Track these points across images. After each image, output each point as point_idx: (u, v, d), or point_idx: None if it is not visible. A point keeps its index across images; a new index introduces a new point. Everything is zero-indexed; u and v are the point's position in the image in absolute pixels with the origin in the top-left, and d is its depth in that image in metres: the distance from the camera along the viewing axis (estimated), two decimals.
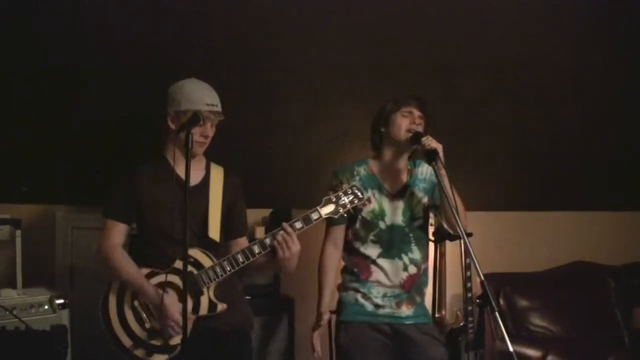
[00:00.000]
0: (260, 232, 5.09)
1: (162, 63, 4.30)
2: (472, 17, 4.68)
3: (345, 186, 3.62)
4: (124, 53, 4.36)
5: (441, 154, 3.63)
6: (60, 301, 4.26)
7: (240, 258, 3.46)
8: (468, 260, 5.09)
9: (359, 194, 3.57)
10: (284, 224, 3.46)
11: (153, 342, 3.44)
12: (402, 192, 3.99)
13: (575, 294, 6.16)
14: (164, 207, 3.54)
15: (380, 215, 3.95)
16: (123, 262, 3.53)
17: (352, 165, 4.05)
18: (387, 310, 3.92)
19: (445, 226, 4.01)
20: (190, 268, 3.37)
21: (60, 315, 4.24)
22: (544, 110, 5.55)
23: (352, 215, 3.94)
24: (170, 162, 3.61)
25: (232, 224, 3.77)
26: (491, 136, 5.59)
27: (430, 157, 3.62)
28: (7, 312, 3.88)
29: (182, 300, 3.17)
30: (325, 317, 4.00)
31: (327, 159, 5.25)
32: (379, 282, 3.94)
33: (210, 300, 3.49)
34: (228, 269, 3.46)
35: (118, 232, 3.59)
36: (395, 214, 3.96)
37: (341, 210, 3.54)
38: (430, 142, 3.66)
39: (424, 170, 4.03)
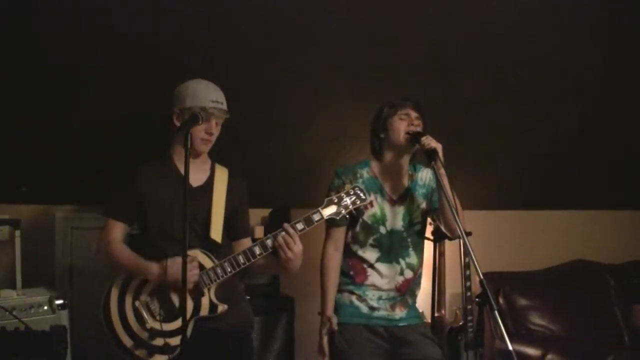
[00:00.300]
0: (259, 232, 5.09)
1: (162, 63, 4.31)
2: (472, 17, 4.68)
3: (347, 187, 3.59)
4: (124, 53, 4.35)
5: (441, 154, 3.62)
6: (60, 301, 4.24)
7: (241, 259, 3.46)
8: (467, 259, 5.10)
9: (361, 195, 3.56)
10: (285, 225, 3.44)
11: (154, 342, 3.43)
12: (403, 197, 4.00)
13: (574, 292, 6.17)
14: (166, 207, 3.53)
15: (382, 220, 3.96)
16: (121, 251, 3.55)
17: (355, 167, 4.05)
18: (382, 313, 3.94)
19: (443, 229, 4.00)
20: None
21: (60, 315, 4.22)
22: (544, 110, 5.56)
23: (354, 218, 3.93)
24: (174, 161, 3.61)
25: (236, 226, 3.77)
26: (491, 136, 5.59)
27: (429, 156, 3.61)
28: (7, 313, 3.86)
29: (182, 301, 3.16)
30: (334, 320, 3.97)
31: (327, 159, 5.25)
32: (374, 286, 3.95)
33: (211, 301, 3.48)
34: (229, 270, 3.45)
35: (118, 230, 3.60)
36: (395, 219, 3.97)
37: (343, 212, 3.52)
38: (430, 142, 3.65)
39: (424, 175, 4.05)
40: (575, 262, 6.44)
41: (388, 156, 4.01)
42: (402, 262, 3.96)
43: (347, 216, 3.58)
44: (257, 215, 5.40)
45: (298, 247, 3.42)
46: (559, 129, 5.71)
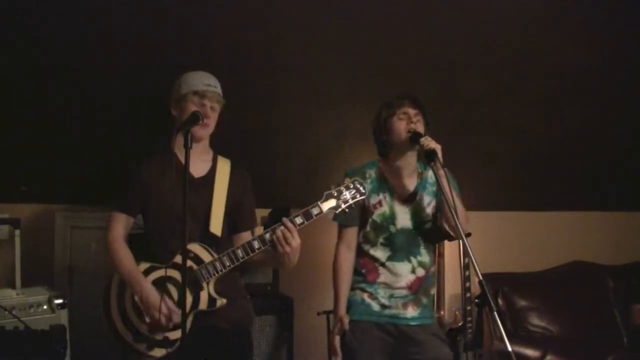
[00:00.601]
0: (259, 232, 5.07)
1: (162, 63, 4.30)
2: (472, 17, 4.68)
3: (347, 180, 3.58)
4: (124, 53, 4.35)
5: (440, 155, 3.61)
6: (59, 301, 4.25)
7: (240, 253, 3.46)
8: (467, 260, 5.10)
9: (361, 188, 3.55)
10: (284, 219, 3.44)
11: (153, 336, 3.45)
12: (413, 196, 3.99)
13: (573, 293, 6.17)
14: (167, 199, 3.52)
15: (391, 218, 3.96)
16: (121, 254, 3.54)
17: (363, 167, 4.06)
18: (393, 311, 3.94)
19: (447, 227, 3.98)
20: (189, 263, 3.38)
21: (59, 315, 4.23)
22: (544, 110, 5.56)
23: (364, 218, 3.97)
24: (175, 154, 3.59)
25: (238, 218, 3.76)
26: (491, 136, 5.58)
27: (429, 157, 3.60)
28: (6, 312, 3.88)
29: (182, 294, 3.16)
30: (346, 320, 3.98)
31: (327, 159, 5.27)
32: (385, 284, 3.95)
33: (210, 295, 3.48)
34: (228, 264, 3.45)
35: (123, 223, 3.61)
36: (405, 217, 3.96)
37: (343, 205, 3.51)
38: (429, 143, 3.64)
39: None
40: (574, 263, 6.44)
41: (394, 156, 4.00)
42: (414, 261, 3.95)
43: (347, 210, 3.57)
44: (257, 215, 5.39)
45: (296, 241, 3.42)
46: (559, 129, 5.70)
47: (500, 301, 5.92)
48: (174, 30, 4.33)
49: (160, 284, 3.45)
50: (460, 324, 5.18)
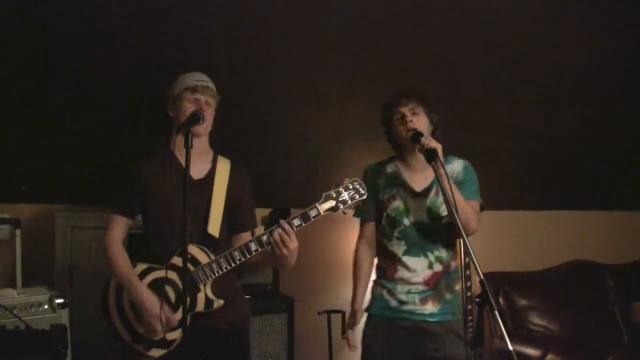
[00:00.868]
0: (260, 231, 5.08)
1: (162, 63, 4.31)
2: (473, 17, 4.68)
3: (346, 180, 3.55)
4: (124, 53, 4.35)
5: (440, 154, 3.57)
6: (60, 300, 4.26)
7: (237, 255, 3.45)
8: (467, 259, 5.10)
9: (360, 189, 3.52)
10: (282, 221, 3.42)
11: (151, 337, 3.45)
12: (427, 190, 3.96)
13: (574, 292, 6.19)
14: (167, 201, 3.52)
15: (405, 212, 3.95)
16: (118, 257, 3.54)
17: (384, 163, 4.11)
18: (410, 307, 3.92)
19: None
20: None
21: (60, 314, 4.24)
22: (544, 110, 5.56)
23: (380, 212, 4.01)
24: (175, 154, 3.60)
25: (237, 219, 3.76)
26: (491, 136, 5.59)
27: (429, 156, 3.55)
28: (7, 312, 3.88)
29: (182, 295, 3.17)
30: (359, 314, 4.08)
31: (327, 159, 5.27)
32: (403, 280, 3.94)
33: (207, 297, 3.48)
34: (224, 266, 3.45)
35: (120, 225, 3.62)
36: (419, 211, 3.94)
37: (341, 207, 3.48)
38: (430, 142, 3.60)
39: (453, 167, 3.98)
40: (575, 262, 6.47)
41: (405, 153, 4.01)
42: (431, 256, 3.92)
43: (372, 211, 3.57)
44: (257, 215, 5.39)
45: (294, 243, 3.41)
46: (559, 129, 5.71)
47: (501, 300, 5.93)
48: (174, 30, 4.33)
49: (158, 286, 3.46)
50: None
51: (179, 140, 3.37)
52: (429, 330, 3.90)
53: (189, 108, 3.52)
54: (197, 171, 3.61)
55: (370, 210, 4.07)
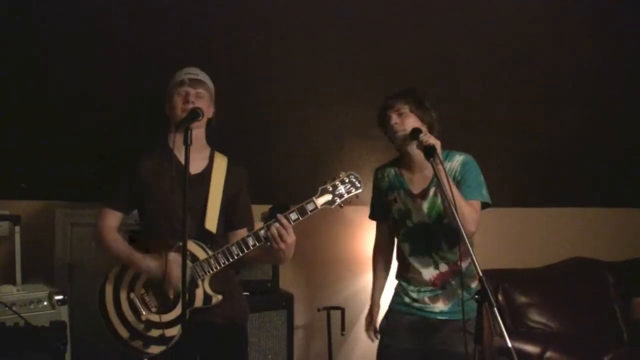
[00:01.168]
0: (258, 227, 5.11)
1: (162, 63, 4.30)
2: (473, 17, 4.66)
3: (342, 174, 3.57)
4: (124, 53, 4.36)
5: (439, 150, 3.56)
6: (60, 297, 4.28)
7: (234, 250, 3.47)
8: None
9: (356, 182, 3.54)
10: (279, 216, 3.44)
11: (150, 333, 3.48)
12: (426, 192, 3.96)
13: (574, 290, 6.20)
14: (165, 197, 3.55)
15: (407, 214, 3.99)
16: (116, 241, 3.59)
17: (390, 164, 4.16)
18: (420, 305, 3.96)
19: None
20: None
21: (60, 311, 4.25)
22: (544, 110, 5.56)
23: (387, 212, 4.09)
24: (173, 151, 3.62)
25: (234, 215, 3.77)
26: (491, 136, 5.59)
27: (427, 153, 3.54)
28: (7, 308, 3.90)
29: (182, 292, 3.18)
30: (375, 308, 4.23)
31: (327, 157, 5.27)
32: (414, 279, 4.00)
33: (205, 293, 3.50)
34: (222, 261, 3.47)
35: (113, 218, 3.64)
36: (420, 212, 3.95)
37: (338, 200, 3.51)
38: (428, 139, 3.60)
39: (452, 166, 3.94)
40: (575, 259, 6.48)
41: (402, 155, 4.05)
42: (435, 256, 3.94)
43: (342, 204, 3.57)
44: (257, 212, 5.36)
45: (291, 237, 3.43)
46: (559, 129, 5.71)
47: (500, 297, 5.94)
48: (174, 30, 4.32)
49: (157, 282, 3.49)
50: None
51: (178, 138, 3.38)
52: (439, 326, 3.92)
53: (179, 102, 3.57)
54: (195, 167, 3.64)
55: (381, 211, 4.16)
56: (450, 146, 3.84)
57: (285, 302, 5.26)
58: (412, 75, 4.83)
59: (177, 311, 3.46)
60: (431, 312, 3.94)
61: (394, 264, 4.28)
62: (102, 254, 3.73)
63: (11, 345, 3.48)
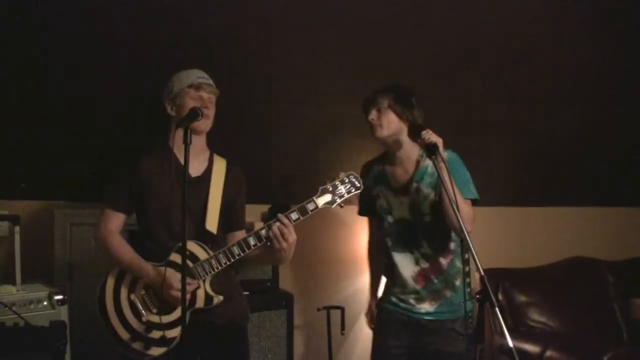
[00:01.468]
0: (258, 227, 5.11)
1: (162, 63, 4.30)
2: (472, 17, 4.67)
3: (342, 174, 3.57)
4: (124, 53, 4.35)
5: (441, 148, 3.55)
6: (60, 297, 4.26)
7: (235, 250, 3.46)
8: (467, 256, 5.10)
9: (356, 182, 3.55)
10: (280, 215, 3.44)
11: (151, 335, 3.45)
12: (406, 188, 3.96)
13: (574, 289, 6.21)
14: (164, 197, 3.53)
15: (388, 210, 4.00)
16: (120, 246, 3.57)
17: (373, 161, 4.17)
18: (406, 305, 3.98)
19: (448, 222, 3.88)
20: None
21: (60, 311, 4.24)
22: (544, 110, 5.56)
23: (374, 208, 4.09)
24: (173, 152, 3.62)
25: (232, 217, 3.77)
26: (491, 136, 5.61)
27: (430, 151, 3.53)
28: (6, 308, 3.89)
29: (181, 294, 3.17)
30: (374, 302, 4.26)
31: (326, 156, 5.27)
32: (398, 277, 4.00)
33: (206, 293, 3.49)
34: (223, 261, 3.46)
35: (116, 220, 3.62)
36: (401, 208, 3.96)
37: (338, 200, 3.51)
38: (430, 136, 3.58)
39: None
40: (575, 258, 6.48)
41: (386, 149, 4.05)
42: (416, 252, 3.95)
43: (342, 204, 3.58)
44: (256, 211, 5.42)
45: (292, 237, 3.44)
46: (559, 129, 5.71)
47: (500, 296, 5.94)
48: (174, 30, 4.32)
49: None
50: None
51: (178, 137, 3.36)
52: (427, 326, 3.93)
53: (192, 105, 3.51)
54: (195, 169, 3.63)
55: (368, 207, 4.16)
56: (451, 145, 3.81)
57: (285, 301, 5.24)
58: (412, 75, 4.82)
59: (177, 312, 3.45)
60: (418, 312, 3.96)
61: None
62: (102, 254, 3.70)
63: (11, 345, 3.46)
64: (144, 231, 3.65)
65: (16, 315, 3.78)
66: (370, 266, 4.42)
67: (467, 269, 5.06)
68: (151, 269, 3.47)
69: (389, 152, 4.04)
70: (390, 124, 3.88)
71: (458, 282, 4.02)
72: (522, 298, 6.03)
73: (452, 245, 4.02)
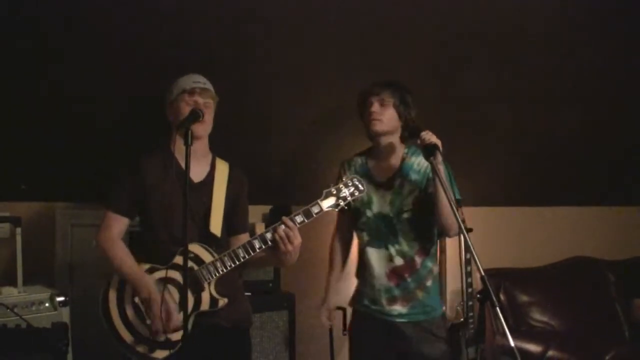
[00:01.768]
0: (260, 228, 5.08)
1: (162, 63, 4.31)
2: (472, 17, 4.68)
3: (345, 178, 3.61)
4: (124, 53, 4.35)
5: (440, 149, 3.54)
6: (61, 298, 4.26)
7: (240, 253, 3.47)
8: (468, 256, 5.12)
9: (359, 185, 3.59)
10: (285, 218, 3.46)
11: (155, 338, 3.45)
12: (390, 182, 3.96)
13: (575, 289, 6.22)
14: (166, 201, 3.54)
15: (368, 203, 3.98)
16: (122, 255, 3.55)
17: (357, 155, 4.16)
18: (378, 307, 3.97)
19: (442, 223, 3.85)
20: (190, 263, 3.38)
21: (61, 312, 4.25)
22: (544, 110, 5.57)
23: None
24: (174, 155, 3.61)
25: (235, 220, 3.78)
26: (491, 136, 5.61)
27: (429, 152, 3.52)
28: (8, 310, 3.89)
29: (183, 295, 3.18)
30: (329, 291, 4.29)
31: (327, 156, 5.26)
32: (370, 273, 4.00)
33: (211, 296, 3.50)
34: (229, 264, 3.47)
35: (118, 224, 3.60)
36: (382, 203, 3.95)
37: (342, 203, 3.55)
38: (430, 137, 3.59)
39: (421, 161, 3.90)
40: (576, 258, 6.49)
41: (373, 142, 4.05)
42: (391, 249, 3.94)
43: (347, 207, 3.59)
44: (258, 212, 5.42)
45: (298, 239, 3.45)
46: (559, 128, 5.72)
47: (501, 296, 5.97)
48: (174, 30, 4.32)
49: (161, 286, 3.47)
50: (462, 320, 5.19)
51: (179, 141, 3.35)
52: (401, 329, 3.93)
53: (187, 110, 3.52)
54: (197, 174, 3.64)
55: None
56: (451, 145, 3.79)
57: (287, 302, 5.25)
58: (412, 74, 4.82)
59: (181, 315, 3.44)
60: (389, 314, 3.95)
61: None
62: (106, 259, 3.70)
63: (13, 347, 3.46)
64: (147, 234, 3.66)
65: (18, 317, 3.78)
66: (333, 257, 4.36)
67: (468, 269, 5.08)
68: (150, 287, 3.46)
69: (375, 148, 4.05)
70: (390, 120, 3.90)
71: (429, 283, 4.00)
72: (524, 298, 6.05)
73: (429, 246, 4.02)
